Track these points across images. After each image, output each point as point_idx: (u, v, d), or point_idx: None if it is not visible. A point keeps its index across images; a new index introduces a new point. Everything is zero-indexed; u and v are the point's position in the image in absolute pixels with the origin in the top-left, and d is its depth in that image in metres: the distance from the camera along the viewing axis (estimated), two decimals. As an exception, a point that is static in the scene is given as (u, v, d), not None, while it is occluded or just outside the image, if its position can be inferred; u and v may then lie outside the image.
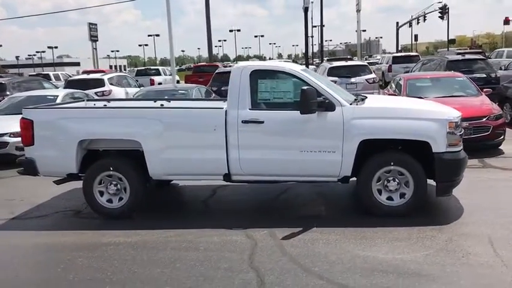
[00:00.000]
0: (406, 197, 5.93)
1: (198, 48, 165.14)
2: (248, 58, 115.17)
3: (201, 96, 11.94)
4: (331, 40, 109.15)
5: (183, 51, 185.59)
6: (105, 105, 7.30)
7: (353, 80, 15.71)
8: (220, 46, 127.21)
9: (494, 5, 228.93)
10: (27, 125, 6.42)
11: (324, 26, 39.16)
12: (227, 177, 6.22)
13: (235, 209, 6.80)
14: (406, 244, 5.13)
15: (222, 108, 6.19)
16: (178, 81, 30.89)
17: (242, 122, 6.02)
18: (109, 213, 6.40)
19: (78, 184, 7.01)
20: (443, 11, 42.80)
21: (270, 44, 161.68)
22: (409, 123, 5.86)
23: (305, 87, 5.79)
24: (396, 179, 5.93)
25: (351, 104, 6.03)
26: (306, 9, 27.63)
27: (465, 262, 4.66)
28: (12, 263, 5.22)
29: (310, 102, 5.73)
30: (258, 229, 5.71)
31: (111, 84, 16.18)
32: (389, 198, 5.98)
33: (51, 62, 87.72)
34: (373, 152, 5.98)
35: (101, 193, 6.42)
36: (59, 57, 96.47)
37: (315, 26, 74.87)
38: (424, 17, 50.84)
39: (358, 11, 63.44)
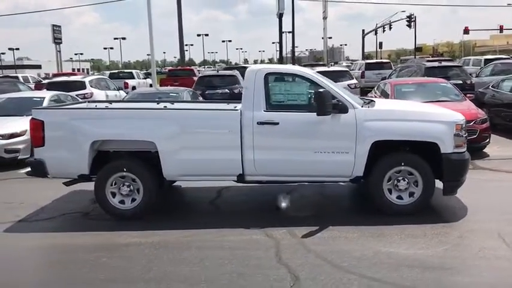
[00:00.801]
0: (415, 196, 6.18)
1: (164, 52, 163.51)
2: (214, 63, 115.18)
3: (190, 99, 11.97)
4: (297, 46, 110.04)
5: (148, 55, 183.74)
6: (120, 106, 7.27)
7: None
8: (186, 50, 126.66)
9: (450, 15, 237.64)
10: (38, 126, 6.34)
11: (291, 32, 39.55)
12: (241, 177, 6.32)
13: (245, 210, 6.89)
14: (423, 240, 5.36)
15: (237, 109, 6.30)
16: (151, 85, 30.73)
17: (257, 123, 6.15)
18: (121, 215, 6.38)
19: (77, 187, 7.09)
20: (410, 20, 44.17)
21: (236, 49, 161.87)
22: (419, 125, 6.13)
23: (321, 90, 5.98)
24: (406, 179, 6.17)
25: (362, 107, 6.25)
26: (280, 15, 27.95)
27: (482, 256, 4.92)
28: (37, 264, 5.18)
29: (326, 104, 5.92)
30: (276, 228, 5.83)
31: (91, 86, 15.95)
32: (399, 197, 6.22)
33: (12, 64, 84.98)
34: (382, 153, 6.20)
35: (113, 194, 6.40)
36: (19, 60, 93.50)
37: (284, 32, 75.52)
38: (390, 25, 52.30)
39: (324, 18, 64.78)
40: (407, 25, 44.73)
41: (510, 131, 11.63)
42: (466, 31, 64.66)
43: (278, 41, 29.77)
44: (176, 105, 7.46)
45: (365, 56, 60.00)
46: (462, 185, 6.29)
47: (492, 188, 7.52)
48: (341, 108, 6.10)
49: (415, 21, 44.06)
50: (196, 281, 4.56)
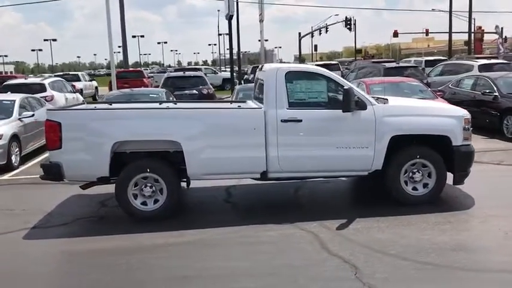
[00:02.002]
0: (429, 187, 6.56)
1: (95, 54, 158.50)
2: (148, 65, 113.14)
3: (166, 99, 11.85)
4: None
5: (78, 57, 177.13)
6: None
7: None
8: (119, 52, 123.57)
9: (375, 18, 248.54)
10: (54, 128, 6.11)
11: (228, 34, 39.58)
12: (264, 175, 6.42)
13: (262, 206, 7.01)
14: (451, 227, 5.73)
15: (261, 108, 6.40)
16: (96, 87, 29.79)
17: (281, 121, 6.28)
18: (144, 216, 6.28)
19: (73, 192, 7.10)
20: (350, 23, 45.77)
21: (171, 50, 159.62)
22: (432, 120, 6.54)
23: (347, 87, 6.21)
24: (420, 171, 6.54)
25: (379, 104, 6.55)
26: (230, 17, 27.98)
27: (511, 237, 5.35)
28: (75, 270, 4.99)
29: (352, 101, 6.16)
30: (305, 222, 5.98)
31: (52, 89, 15.29)
32: (414, 189, 6.57)
33: None
34: (397, 147, 6.52)
35: (135, 196, 6.28)
36: None
37: (221, 34, 75.72)
38: (326, 28, 53.91)
39: (261, 21, 65.32)
40: (348, 28, 46.37)
41: (473, 126, 12.44)
42: (396, 34, 68.05)
43: (229, 42, 29.66)
44: (198, 104, 7.42)
45: (301, 59, 61.37)
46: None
47: (484, 178, 7.89)
48: (361, 105, 6.37)
49: (355, 24, 45.93)
50: (259, 274, 4.64)
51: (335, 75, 6.64)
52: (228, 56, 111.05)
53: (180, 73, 19.53)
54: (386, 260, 4.83)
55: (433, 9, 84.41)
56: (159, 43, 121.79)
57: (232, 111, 6.59)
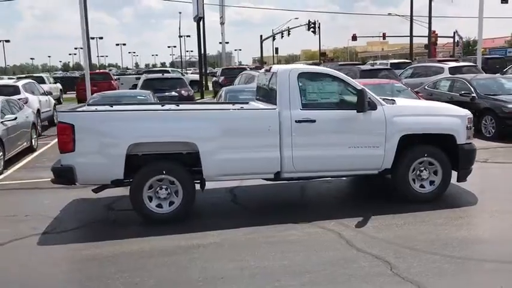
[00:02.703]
0: (435, 184, 6.79)
1: (49, 56, 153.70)
2: (105, 67, 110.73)
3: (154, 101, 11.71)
4: (191, 51, 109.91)
5: (32, 58, 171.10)
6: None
7: None
8: (75, 54, 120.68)
9: (331, 23, 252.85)
10: (67, 130, 5.94)
11: (197, 36, 39.49)
12: (277, 175, 6.47)
13: (272, 206, 7.07)
14: (465, 222, 5.97)
15: (275, 109, 6.44)
16: (61, 90, 28.97)
17: (296, 121, 6.35)
18: (159, 219, 6.19)
19: (70, 195, 7.06)
20: (315, 26, 46.48)
21: (129, 52, 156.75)
22: (439, 119, 6.79)
23: (360, 88, 6.35)
24: (427, 169, 6.76)
25: (387, 104, 6.73)
26: (199, 20, 27.90)
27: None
28: (115, 271, 4.86)
29: (366, 101, 6.31)
30: (323, 221, 6.08)
31: (25, 91, 14.77)
32: (422, 186, 6.79)
33: None
34: (404, 146, 6.71)
35: (150, 198, 6.20)
36: None
37: (181, 36, 75.22)
38: (289, 31, 54.51)
39: (222, 23, 65.60)
40: (312, 31, 47.02)
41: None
42: (354, 38, 69.68)
43: (198, 45, 29.50)
44: (214, 105, 7.39)
45: (263, 62, 61.72)
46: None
47: (475, 175, 8.24)
48: (372, 105, 6.52)
49: (319, 27, 46.61)
50: (296, 272, 4.67)
51: (347, 77, 6.77)
52: (188, 58, 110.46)
53: (159, 75, 19.28)
54: (416, 255, 4.96)
55: (389, 14, 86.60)
56: (117, 45, 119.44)
57: (248, 112, 6.60)
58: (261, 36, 62.63)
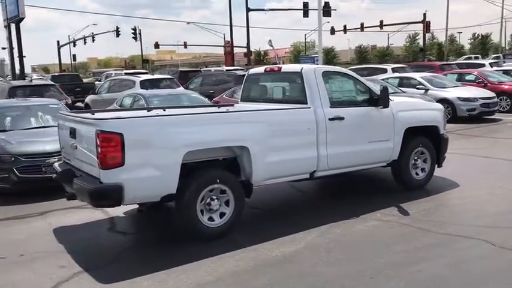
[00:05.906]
0: (426, 171, 7.56)
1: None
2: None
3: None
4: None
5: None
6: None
7: None
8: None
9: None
10: (115, 141, 4.92)
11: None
12: (312, 174, 6.43)
13: (287, 207, 6.96)
14: (473, 208, 6.56)
15: (310, 108, 6.37)
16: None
17: (329, 119, 6.41)
18: (212, 233, 5.55)
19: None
20: (136, 33, 44.71)
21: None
22: (429, 113, 7.60)
23: (383, 85, 6.73)
24: (419, 158, 7.49)
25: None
26: (19, 20, 24.63)
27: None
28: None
29: (388, 97, 6.73)
30: (369, 214, 6.26)
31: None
32: (417, 174, 7.49)
33: None
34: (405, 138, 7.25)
35: (201, 211, 5.54)
36: None
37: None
38: (93, 37, 51.52)
39: (5, 26, 58.47)
40: (133, 37, 45.21)
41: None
42: (157, 45, 69.69)
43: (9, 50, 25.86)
44: (260, 106, 6.78)
45: (45, 69, 57.41)
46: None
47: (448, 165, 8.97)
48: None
49: (140, 33, 44.90)
50: (362, 275, 4.61)
51: (359, 77, 7.10)
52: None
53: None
54: (457, 240, 5.32)
55: (188, 23, 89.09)
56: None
57: (290, 111, 6.31)
58: (58, 41, 58.19)
